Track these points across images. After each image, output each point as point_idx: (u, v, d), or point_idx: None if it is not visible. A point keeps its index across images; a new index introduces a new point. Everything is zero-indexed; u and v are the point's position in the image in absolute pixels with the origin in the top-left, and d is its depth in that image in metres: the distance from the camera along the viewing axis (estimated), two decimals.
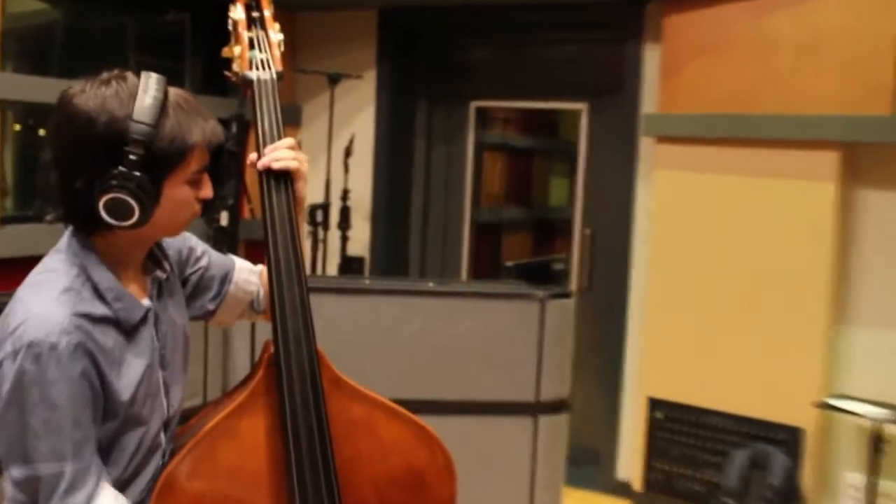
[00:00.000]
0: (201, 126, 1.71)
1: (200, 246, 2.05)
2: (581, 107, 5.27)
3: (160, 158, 1.67)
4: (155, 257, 1.87)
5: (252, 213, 5.00)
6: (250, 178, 5.00)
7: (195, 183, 1.75)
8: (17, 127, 4.67)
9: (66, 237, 1.75)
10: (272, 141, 1.90)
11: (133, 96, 1.65)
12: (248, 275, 2.11)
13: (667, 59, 4.58)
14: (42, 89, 4.36)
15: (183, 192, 1.73)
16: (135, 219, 1.66)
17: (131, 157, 1.63)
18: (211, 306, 2.06)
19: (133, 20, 5.34)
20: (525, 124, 6.13)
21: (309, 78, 5.44)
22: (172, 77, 1.75)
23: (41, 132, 4.91)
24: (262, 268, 2.13)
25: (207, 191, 1.79)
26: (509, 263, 5.96)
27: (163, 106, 1.66)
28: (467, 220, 5.71)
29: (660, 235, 4.65)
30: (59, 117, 1.68)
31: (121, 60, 5.11)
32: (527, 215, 6.13)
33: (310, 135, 5.67)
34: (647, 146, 4.81)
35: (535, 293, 3.69)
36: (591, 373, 5.13)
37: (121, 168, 1.62)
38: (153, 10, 5.43)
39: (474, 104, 5.63)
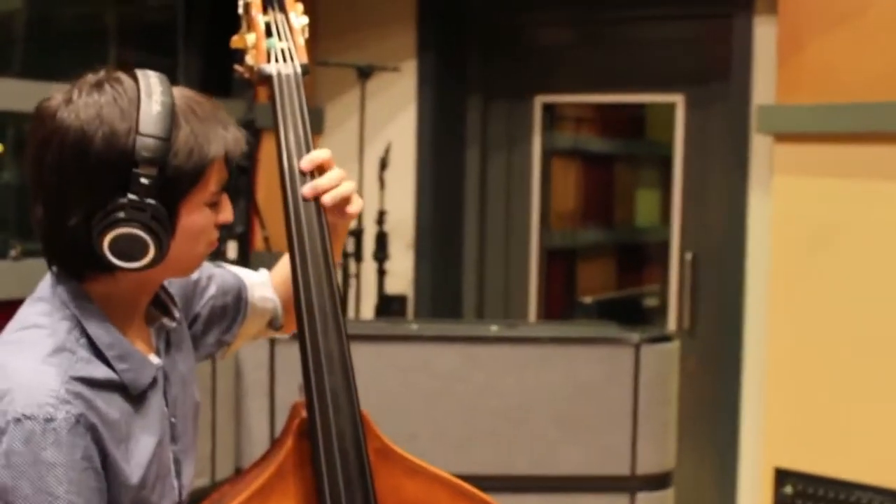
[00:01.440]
0: (220, 135, 1.71)
1: (205, 271, 2.05)
2: (676, 99, 5.26)
3: (175, 179, 1.66)
4: (160, 301, 1.87)
5: (267, 243, 5.01)
6: (263, 199, 5.04)
7: (214, 205, 1.76)
8: None
9: (48, 282, 1.74)
10: (299, 153, 1.92)
11: (135, 103, 1.64)
12: (261, 290, 2.14)
13: (785, 36, 4.55)
14: (0, 93, 4.40)
15: (200, 218, 1.73)
16: (149, 258, 1.66)
17: (142, 180, 1.62)
18: (228, 338, 2.09)
19: (113, 6, 5.38)
20: (604, 124, 6.16)
21: (333, 72, 5.46)
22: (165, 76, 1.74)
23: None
24: (270, 274, 2.18)
25: (227, 213, 1.79)
26: (587, 299, 6.00)
27: (173, 109, 1.66)
28: (534, 245, 5.71)
29: (781, 260, 4.61)
30: (40, 137, 1.67)
31: (98, 56, 5.16)
32: (609, 238, 6.18)
33: (335, 143, 5.70)
34: (761, 146, 4.79)
35: (627, 337, 3.73)
36: (699, 437, 5.09)
37: (130, 196, 1.63)
38: None
39: (540, 99, 5.64)
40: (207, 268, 2.06)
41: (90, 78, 1.69)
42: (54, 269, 1.74)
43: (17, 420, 1.57)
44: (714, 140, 5.11)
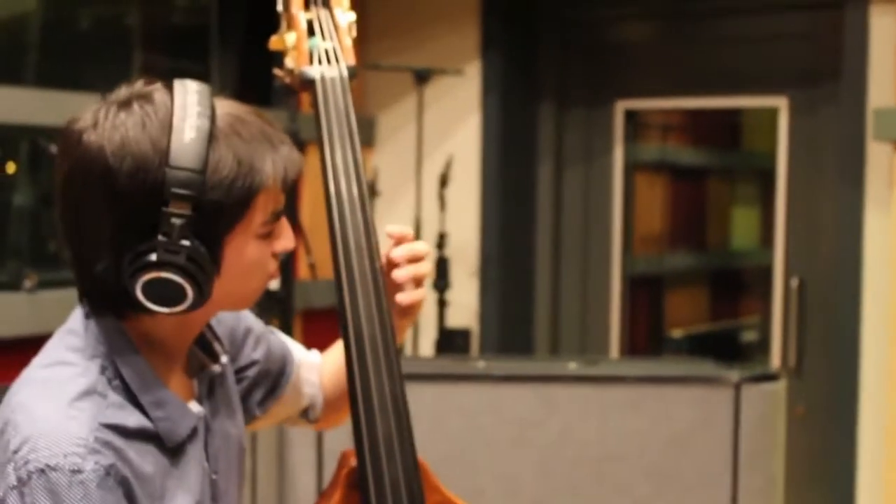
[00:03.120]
0: (269, 157, 1.68)
1: (258, 326, 2.06)
2: (779, 103, 5.25)
3: (215, 214, 1.64)
4: (205, 342, 1.86)
5: (313, 270, 5.03)
6: (308, 221, 5.04)
7: (267, 235, 1.73)
8: None
9: (80, 314, 1.74)
10: (346, 169, 1.93)
11: (167, 127, 1.62)
12: (308, 372, 2.15)
13: None
14: (13, 105, 4.44)
15: (251, 251, 1.71)
16: (188, 303, 1.65)
17: (174, 220, 1.60)
18: (257, 412, 2.08)
19: (137, 7, 5.42)
20: (695, 132, 6.22)
21: (386, 76, 5.49)
22: None
23: (11, 166, 4.98)
24: (322, 359, 2.19)
25: (286, 241, 1.77)
26: (677, 333, 6.05)
27: (210, 136, 1.63)
28: (616, 272, 5.70)
29: None
30: (65, 168, 1.66)
31: (122, 63, 5.19)
32: (700, 263, 6.21)
33: (389, 157, 5.73)
34: (879, 156, 4.77)
35: (725, 375, 3.70)
36: (807, 495, 5.05)
37: (160, 237, 1.60)
38: None
39: (622, 105, 5.65)
40: (258, 325, 2.06)
41: (121, 92, 1.67)
42: (86, 302, 1.73)
43: (41, 471, 1.56)
44: (823, 149, 5.09)
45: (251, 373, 2.03)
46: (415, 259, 1.95)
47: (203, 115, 1.63)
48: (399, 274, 1.92)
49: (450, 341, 5.47)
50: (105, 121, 1.63)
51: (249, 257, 1.71)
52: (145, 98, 1.65)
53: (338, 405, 2.11)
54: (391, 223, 2.07)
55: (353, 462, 1.86)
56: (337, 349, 2.14)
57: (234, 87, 5.49)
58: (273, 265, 1.77)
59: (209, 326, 1.87)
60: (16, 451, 1.58)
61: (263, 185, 1.66)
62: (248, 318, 2.03)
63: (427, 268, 1.96)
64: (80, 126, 1.64)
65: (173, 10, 5.68)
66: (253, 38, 5.44)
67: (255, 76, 5.38)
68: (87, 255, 1.66)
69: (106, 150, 1.61)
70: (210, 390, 1.84)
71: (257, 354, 2.04)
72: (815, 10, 5.13)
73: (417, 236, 5.24)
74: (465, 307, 5.62)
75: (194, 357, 1.84)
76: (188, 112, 1.62)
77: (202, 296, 1.65)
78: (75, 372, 1.66)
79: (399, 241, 1.95)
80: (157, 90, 1.66)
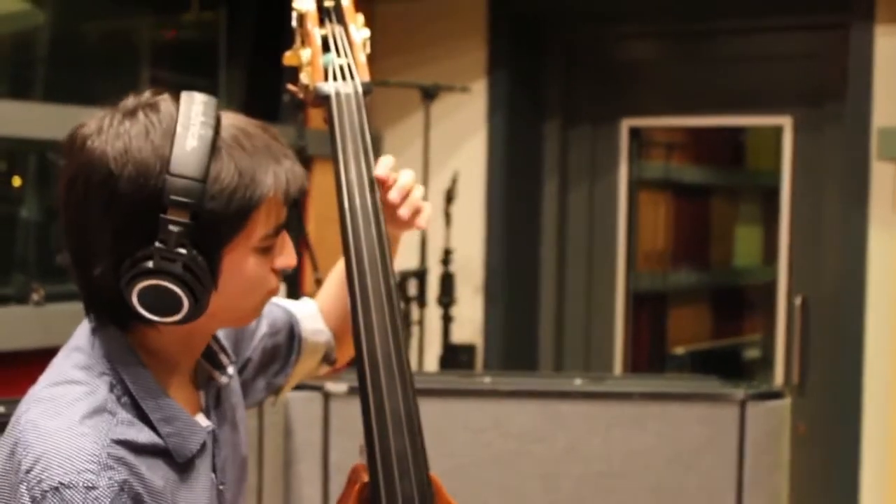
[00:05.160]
0: (271, 171, 1.67)
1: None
2: (783, 122, 5.26)
3: (214, 224, 1.64)
4: (210, 353, 1.86)
5: (319, 286, 4.97)
6: (314, 236, 5.02)
7: (268, 250, 1.73)
8: None
9: (86, 330, 1.74)
10: (360, 184, 1.93)
11: (170, 135, 1.62)
12: (312, 322, 2.16)
13: None
14: (22, 119, 4.43)
15: (250, 266, 1.71)
16: (183, 313, 1.65)
17: (171, 227, 1.60)
18: (280, 381, 2.11)
19: (146, 22, 5.42)
20: (700, 151, 6.22)
21: (393, 92, 5.45)
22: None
23: (17, 180, 4.98)
24: (317, 301, 2.21)
25: (288, 258, 1.76)
26: (680, 350, 6.05)
27: (213, 146, 1.63)
28: (620, 289, 5.71)
29: None
30: (69, 171, 1.66)
31: (129, 78, 5.19)
32: (704, 281, 6.23)
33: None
34: (883, 175, 4.78)
35: (731, 393, 3.63)
36: None
37: (157, 244, 1.61)
38: (174, 7, 5.50)
39: (627, 123, 5.66)
40: None
41: (129, 102, 1.67)
42: (92, 316, 1.73)
43: (55, 489, 1.55)
44: (827, 168, 5.08)
45: (261, 350, 2.05)
46: (408, 193, 2.00)
47: (207, 125, 1.63)
48: (403, 212, 1.98)
49: (454, 357, 5.46)
50: (110, 128, 1.63)
51: (248, 272, 1.70)
52: (151, 107, 1.65)
53: (347, 336, 2.08)
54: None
55: (364, 477, 1.86)
56: (329, 285, 2.18)
57: (241, 102, 5.49)
58: (274, 281, 1.76)
59: (215, 338, 1.86)
60: (28, 471, 1.58)
61: (264, 198, 1.66)
62: None
63: (420, 192, 2.02)
64: (85, 132, 1.65)
65: (181, 25, 5.68)
66: (261, 53, 5.45)
67: (262, 91, 5.38)
68: (86, 259, 1.65)
69: (108, 155, 1.61)
70: (217, 401, 1.84)
71: (262, 331, 2.04)
72: (820, 30, 5.13)
73: (423, 253, 5.27)
74: (470, 322, 5.62)
75: (201, 369, 1.83)
76: (192, 121, 1.63)
77: (198, 306, 1.65)
78: (84, 391, 1.65)
79: (383, 182, 1.97)
80: (164, 100, 1.67)
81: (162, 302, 1.63)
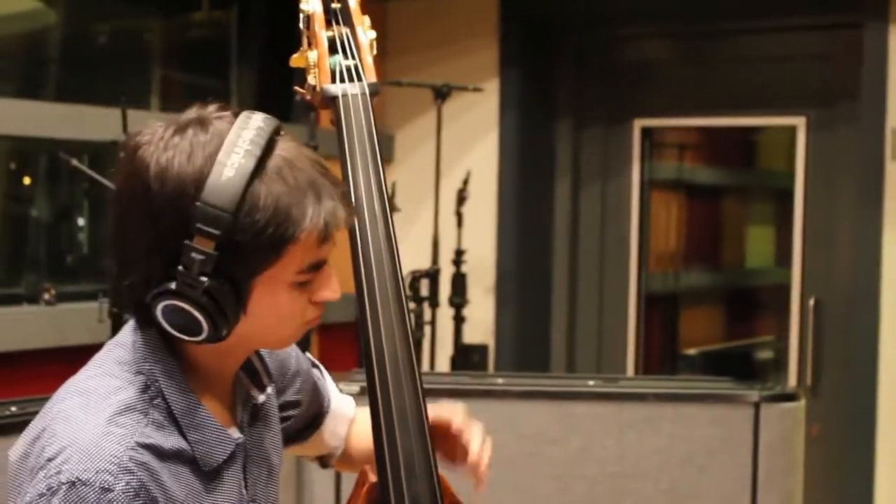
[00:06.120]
0: (310, 209, 1.62)
1: (305, 366, 2.06)
2: (796, 122, 5.25)
3: (242, 256, 1.61)
4: (251, 368, 1.84)
5: None
6: None
7: (305, 284, 1.69)
8: None
9: (130, 326, 1.73)
10: (367, 185, 1.93)
11: (211, 159, 1.59)
12: (337, 424, 2.16)
13: None
14: (33, 119, 4.45)
15: (284, 299, 1.68)
16: (203, 336, 1.64)
17: (194, 255, 1.58)
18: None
19: (158, 22, 5.43)
20: (712, 151, 6.20)
21: (405, 93, 5.46)
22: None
23: (27, 179, 4.99)
24: (356, 413, 2.19)
25: (330, 292, 1.72)
26: (691, 351, 6.03)
27: (253, 176, 1.59)
28: (632, 290, 5.71)
29: None
30: (119, 176, 1.66)
31: (141, 78, 5.19)
32: (715, 282, 6.21)
33: (406, 174, 5.72)
34: None
35: (745, 394, 3.64)
36: None
37: (180, 268, 1.59)
38: (185, 7, 5.49)
39: (639, 124, 5.66)
40: (305, 365, 2.06)
41: (189, 114, 1.65)
42: (134, 316, 1.73)
43: (72, 483, 1.55)
44: (841, 169, 5.08)
45: (288, 413, 2.02)
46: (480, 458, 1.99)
47: (250, 155, 1.59)
48: (480, 475, 1.97)
49: (466, 357, 5.46)
50: (160, 140, 1.61)
51: (282, 304, 1.67)
52: (203, 125, 1.62)
53: (356, 462, 2.11)
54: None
55: (372, 478, 1.86)
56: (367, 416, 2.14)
57: (252, 103, 5.48)
58: (312, 313, 1.72)
59: (259, 356, 1.85)
60: (50, 459, 1.57)
61: (297, 237, 1.61)
62: (295, 357, 2.03)
63: (489, 452, 2.00)
64: (139, 140, 1.63)
65: (192, 25, 5.68)
66: (272, 52, 5.45)
67: (273, 91, 5.37)
68: (122, 267, 1.66)
69: (151, 169, 1.59)
70: (253, 418, 1.83)
71: (299, 398, 2.03)
72: (834, 29, 5.13)
73: (435, 253, 5.25)
74: (481, 323, 5.62)
75: (240, 384, 1.82)
76: (236, 148, 1.59)
77: (217, 332, 1.63)
78: (118, 386, 1.65)
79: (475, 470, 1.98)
80: (219, 118, 1.64)
81: (183, 322, 1.63)
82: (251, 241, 1.59)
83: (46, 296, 4.51)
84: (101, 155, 4.58)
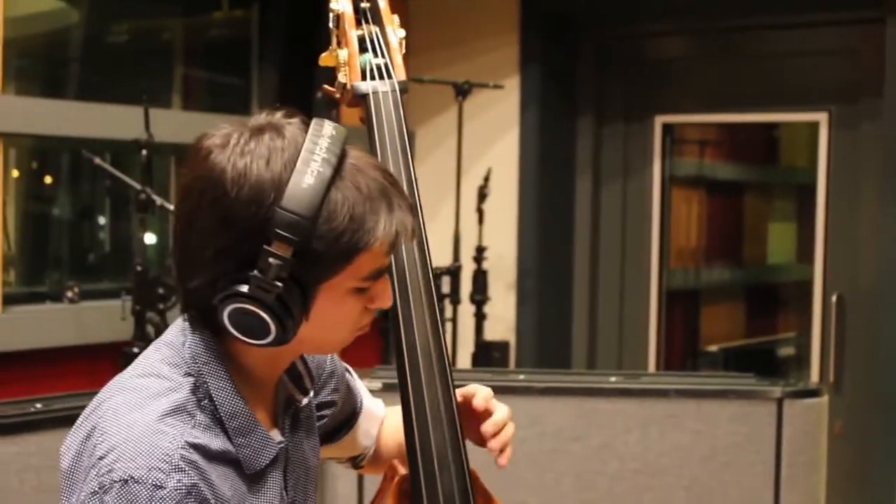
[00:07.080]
0: (382, 219, 1.63)
1: (339, 368, 2.05)
2: (818, 118, 5.23)
3: (315, 262, 1.62)
4: (296, 374, 1.86)
5: None
6: None
7: (365, 290, 1.71)
8: (16, 172, 4.76)
9: (179, 328, 1.74)
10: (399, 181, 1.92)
11: (291, 165, 1.60)
12: (369, 424, 2.16)
13: None
14: (55, 118, 4.46)
15: (344, 304, 1.69)
16: (270, 339, 1.65)
17: (271, 260, 1.59)
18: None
19: (179, 20, 5.44)
20: (733, 147, 6.18)
21: (426, 89, 5.45)
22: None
23: (49, 178, 5.01)
24: (387, 413, 2.21)
25: (384, 300, 1.74)
26: (713, 347, 6.03)
27: (330, 185, 1.60)
28: (654, 286, 5.71)
29: None
30: (189, 178, 1.66)
31: (162, 77, 5.21)
32: (737, 278, 6.20)
33: (428, 170, 5.70)
34: None
35: (768, 390, 3.64)
36: None
37: (256, 272, 1.60)
38: (206, 6, 5.50)
39: (661, 120, 5.65)
40: (340, 367, 2.06)
41: (259, 118, 1.65)
42: (187, 316, 1.73)
43: (124, 481, 1.56)
44: (863, 165, 5.06)
45: (323, 413, 2.03)
46: (500, 429, 1.96)
47: (327, 163, 1.60)
48: (493, 445, 1.92)
49: (488, 354, 5.46)
50: (235, 145, 1.61)
51: (342, 309, 1.69)
52: (278, 131, 1.62)
53: (386, 461, 2.11)
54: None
55: (402, 470, 1.87)
56: (398, 414, 2.13)
57: (274, 100, 5.48)
58: (365, 319, 1.74)
59: (302, 360, 1.86)
60: (102, 458, 1.58)
61: (369, 246, 1.62)
62: (333, 359, 2.03)
63: (511, 430, 1.97)
64: (210, 143, 1.63)
65: (213, 24, 5.68)
66: (293, 50, 5.45)
67: (294, 89, 5.38)
68: (187, 268, 1.66)
69: (227, 174, 1.59)
70: (294, 421, 1.83)
71: (334, 398, 2.04)
72: (856, 25, 5.10)
73: (457, 250, 5.25)
74: (503, 320, 5.62)
75: (283, 387, 1.83)
76: (314, 156, 1.60)
77: (285, 335, 1.64)
78: (168, 386, 1.66)
79: (479, 414, 1.95)
80: (292, 125, 1.64)
81: (250, 325, 1.63)
82: (326, 248, 1.60)
83: (69, 294, 4.51)
84: (123, 153, 4.60)
